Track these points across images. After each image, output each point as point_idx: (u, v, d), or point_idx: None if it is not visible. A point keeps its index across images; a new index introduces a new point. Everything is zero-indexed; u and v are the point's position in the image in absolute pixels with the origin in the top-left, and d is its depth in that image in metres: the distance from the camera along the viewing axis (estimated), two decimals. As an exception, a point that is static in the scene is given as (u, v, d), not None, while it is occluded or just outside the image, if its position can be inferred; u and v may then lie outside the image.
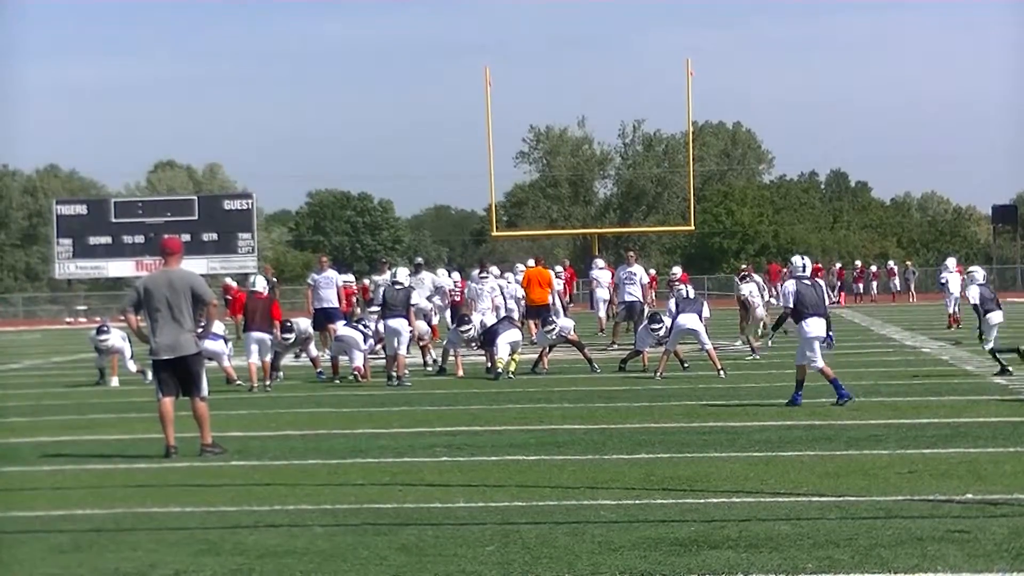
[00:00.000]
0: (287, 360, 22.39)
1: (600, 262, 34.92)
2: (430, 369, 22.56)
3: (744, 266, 32.50)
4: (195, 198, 67.23)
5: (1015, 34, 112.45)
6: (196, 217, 62.66)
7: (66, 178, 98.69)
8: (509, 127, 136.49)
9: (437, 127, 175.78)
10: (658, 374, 19.63)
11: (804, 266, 16.15)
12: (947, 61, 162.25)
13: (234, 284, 38.97)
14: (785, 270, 53.66)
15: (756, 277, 29.97)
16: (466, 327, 21.63)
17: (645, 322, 21.76)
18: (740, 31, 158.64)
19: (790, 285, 15.94)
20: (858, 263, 60.21)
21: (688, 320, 19.99)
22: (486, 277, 28.00)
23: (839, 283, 57.96)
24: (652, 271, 44.76)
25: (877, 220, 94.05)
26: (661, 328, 20.51)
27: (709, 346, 20.04)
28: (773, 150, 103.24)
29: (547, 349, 22.41)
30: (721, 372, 19.40)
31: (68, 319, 60.68)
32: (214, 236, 62.31)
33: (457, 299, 29.96)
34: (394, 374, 20.17)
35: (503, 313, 26.25)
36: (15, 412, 17.86)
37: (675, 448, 12.28)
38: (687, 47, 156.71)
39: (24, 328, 57.02)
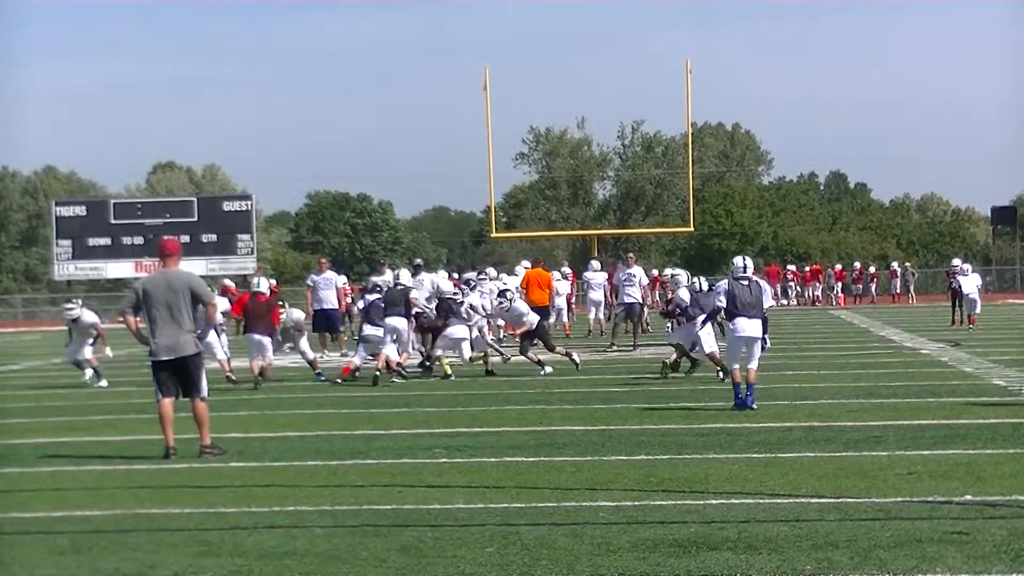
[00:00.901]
0: (283, 361, 22.35)
1: (596, 264, 34.95)
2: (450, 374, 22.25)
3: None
4: (194, 199, 67.18)
5: (1014, 35, 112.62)
6: (195, 218, 62.59)
7: (65, 179, 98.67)
8: (509, 128, 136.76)
9: (436, 128, 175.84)
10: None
11: (745, 267, 16.01)
12: (946, 62, 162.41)
13: (232, 285, 38.97)
14: (788, 271, 53.58)
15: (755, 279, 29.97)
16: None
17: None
18: (739, 32, 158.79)
19: (723, 284, 16.04)
20: (857, 264, 60.18)
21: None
22: (484, 278, 27.99)
23: (839, 284, 57.97)
24: (655, 272, 44.78)
25: (876, 221, 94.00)
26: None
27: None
28: (772, 151, 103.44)
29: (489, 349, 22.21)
30: (720, 374, 19.38)
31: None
32: (213, 237, 62.24)
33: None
34: (378, 374, 20.30)
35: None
36: (15, 413, 17.86)
37: (674, 449, 12.28)
38: (686, 48, 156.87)
39: (24, 329, 57.04)
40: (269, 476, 11.38)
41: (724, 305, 15.89)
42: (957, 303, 34.82)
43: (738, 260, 16.31)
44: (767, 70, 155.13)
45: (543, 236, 79.71)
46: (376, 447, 13.03)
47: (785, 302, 56.44)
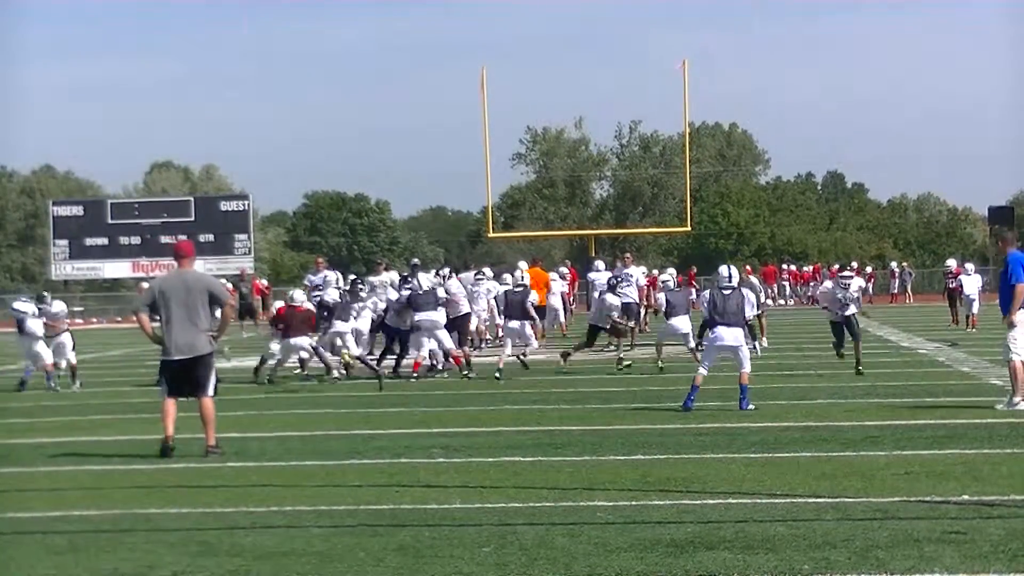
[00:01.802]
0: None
1: (600, 264, 34.95)
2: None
3: (747, 268, 32.50)
4: (191, 199, 67.18)
5: (1011, 35, 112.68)
6: (192, 218, 62.60)
7: (62, 179, 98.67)
8: (506, 128, 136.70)
9: (434, 128, 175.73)
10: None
11: (729, 276, 16.14)
12: (944, 63, 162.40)
13: (229, 285, 38.98)
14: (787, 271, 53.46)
15: (753, 279, 30.02)
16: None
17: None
18: (737, 33, 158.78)
19: (706, 294, 16.23)
20: (854, 264, 60.20)
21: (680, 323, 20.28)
22: (482, 278, 28.02)
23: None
24: (654, 272, 44.75)
25: (873, 221, 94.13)
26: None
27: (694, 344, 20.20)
28: (769, 151, 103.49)
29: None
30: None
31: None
32: (211, 237, 62.22)
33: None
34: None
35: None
36: (13, 413, 17.87)
37: (672, 449, 12.29)
38: (684, 49, 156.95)
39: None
40: (267, 476, 11.38)
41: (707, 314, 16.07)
42: (957, 303, 34.83)
43: (723, 269, 16.46)
44: (764, 70, 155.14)
45: (540, 236, 79.69)
46: (374, 447, 13.04)
47: (783, 302, 56.46)
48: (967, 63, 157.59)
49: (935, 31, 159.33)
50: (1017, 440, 12.46)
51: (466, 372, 21.42)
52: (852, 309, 20.52)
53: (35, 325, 21.83)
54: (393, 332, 22.60)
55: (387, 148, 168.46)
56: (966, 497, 9.40)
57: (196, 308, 12.70)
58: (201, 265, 62.86)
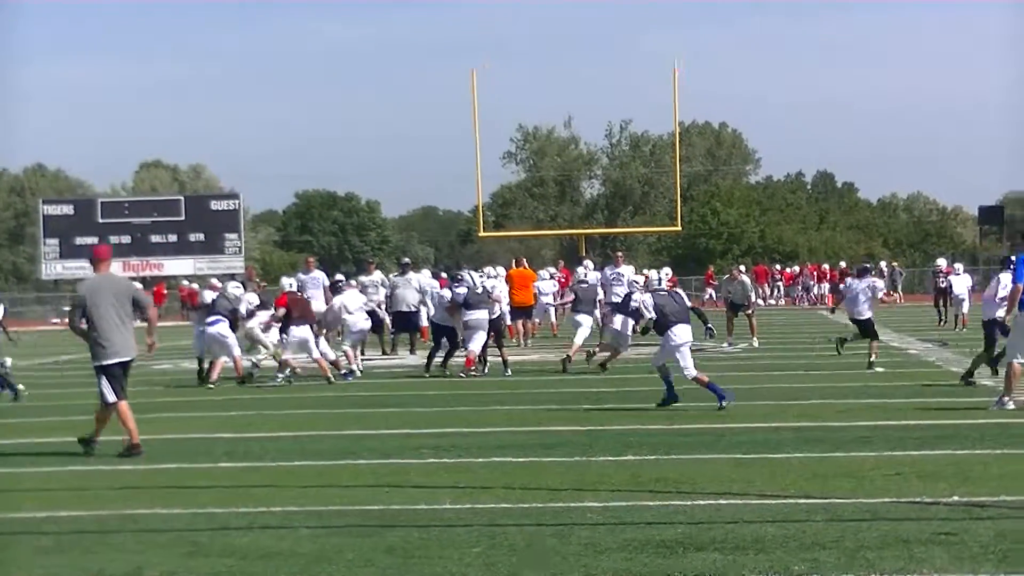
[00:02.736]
0: (271, 362, 22.31)
1: (589, 263, 34.90)
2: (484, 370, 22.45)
3: (740, 268, 32.45)
4: (182, 198, 67.12)
5: (1002, 36, 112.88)
6: (183, 217, 62.60)
7: (52, 177, 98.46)
8: (496, 127, 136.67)
9: (424, 127, 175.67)
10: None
11: (659, 280, 17.00)
12: (934, 62, 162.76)
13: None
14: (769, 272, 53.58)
15: (745, 278, 30.03)
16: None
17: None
18: (727, 32, 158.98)
19: (648, 299, 16.43)
20: (843, 264, 60.25)
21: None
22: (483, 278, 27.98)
23: (832, 284, 57.96)
24: (645, 271, 44.67)
25: (863, 221, 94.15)
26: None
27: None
28: (760, 151, 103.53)
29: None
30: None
31: (55, 320, 60.47)
32: (201, 236, 62.26)
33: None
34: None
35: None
36: None
37: (662, 450, 12.28)
38: (674, 48, 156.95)
39: (10, 329, 56.70)
40: (257, 477, 11.36)
41: (654, 317, 16.19)
42: (946, 303, 34.86)
43: (653, 274, 18.14)
44: (754, 70, 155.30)
45: (531, 235, 79.71)
46: (365, 447, 13.01)
47: (773, 302, 56.51)
48: (958, 63, 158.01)
49: (926, 32, 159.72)
50: (1007, 441, 12.46)
51: (473, 372, 21.75)
52: (869, 313, 21.43)
53: None
54: (442, 330, 22.76)
55: (378, 147, 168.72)
56: (956, 498, 9.40)
57: (128, 310, 12.91)
58: (192, 264, 63.07)
